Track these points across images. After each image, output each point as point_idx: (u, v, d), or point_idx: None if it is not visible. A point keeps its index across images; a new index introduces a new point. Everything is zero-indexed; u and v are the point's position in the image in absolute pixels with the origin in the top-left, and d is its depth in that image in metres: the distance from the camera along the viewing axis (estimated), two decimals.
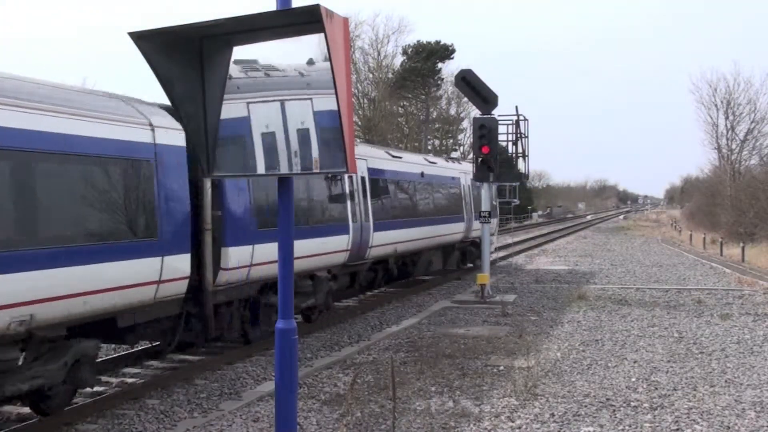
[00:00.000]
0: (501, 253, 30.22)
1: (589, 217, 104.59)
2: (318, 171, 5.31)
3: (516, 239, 43.39)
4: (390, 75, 61.53)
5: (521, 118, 19.77)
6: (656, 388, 9.41)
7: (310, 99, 5.06)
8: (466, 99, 38.21)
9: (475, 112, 19.87)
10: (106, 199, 8.48)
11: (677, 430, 7.77)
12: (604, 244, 42.77)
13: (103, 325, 8.77)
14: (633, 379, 9.89)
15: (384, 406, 8.60)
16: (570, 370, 10.42)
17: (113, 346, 12.05)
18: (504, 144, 19.97)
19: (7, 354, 7.40)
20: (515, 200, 27.65)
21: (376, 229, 16.43)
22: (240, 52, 5.29)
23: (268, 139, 5.27)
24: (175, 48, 5.20)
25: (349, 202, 15.18)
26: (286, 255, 5.39)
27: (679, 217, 75.04)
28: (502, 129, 18.76)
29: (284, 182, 5.43)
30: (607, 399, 8.94)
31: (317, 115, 5.04)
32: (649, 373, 10.27)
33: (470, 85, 18.34)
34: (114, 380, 10.44)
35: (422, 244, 20.13)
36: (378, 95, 57.18)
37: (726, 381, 9.83)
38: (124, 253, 8.58)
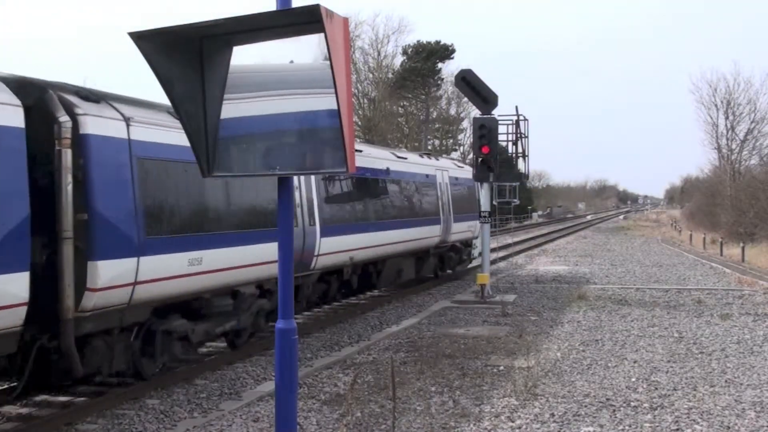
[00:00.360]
0: (501, 253, 30.21)
1: (589, 217, 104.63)
2: (318, 171, 5.31)
3: (516, 239, 43.39)
4: (390, 75, 61.58)
5: (521, 118, 19.82)
6: (656, 388, 9.41)
7: (310, 99, 5.07)
8: (466, 99, 38.30)
9: (475, 112, 19.88)
10: None
11: (677, 430, 7.77)
12: (604, 244, 42.80)
13: None
14: (633, 379, 9.90)
15: (384, 406, 8.60)
16: (570, 370, 10.42)
17: None
18: (504, 144, 20.01)
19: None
20: (515, 200, 27.72)
21: (324, 234, 14.04)
22: (240, 52, 5.29)
23: (268, 139, 5.28)
24: (175, 48, 5.19)
25: None
26: (286, 255, 5.40)
27: (679, 217, 75.09)
28: (502, 129, 18.81)
29: (284, 182, 5.43)
30: (607, 399, 8.94)
31: (317, 114, 5.04)
32: (649, 373, 10.27)
33: (470, 85, 18.35)
34: (114, 380, 10.44)
35: (387, 250, 17.60)
36: (378, 95, 57.19)
37: (726, 381, 9.83)
38: None
